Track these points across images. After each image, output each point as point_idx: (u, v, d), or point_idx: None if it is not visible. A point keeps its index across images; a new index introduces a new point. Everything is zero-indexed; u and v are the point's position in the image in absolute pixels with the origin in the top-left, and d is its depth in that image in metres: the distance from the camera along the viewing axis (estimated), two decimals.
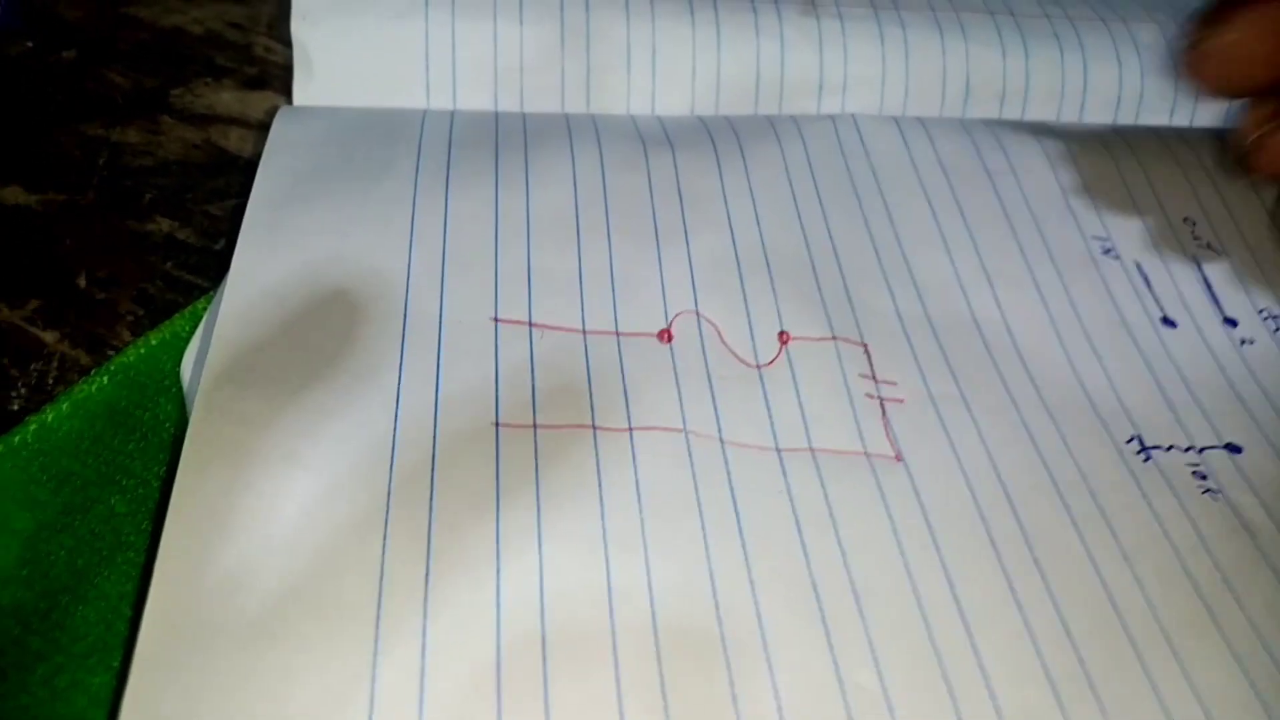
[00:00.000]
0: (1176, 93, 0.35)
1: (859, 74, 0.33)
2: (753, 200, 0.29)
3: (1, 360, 0.25)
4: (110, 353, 0.26)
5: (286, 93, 0.31)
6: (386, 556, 0.20)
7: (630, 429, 0.23)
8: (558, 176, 0.29)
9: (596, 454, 0.23)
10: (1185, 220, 0.31)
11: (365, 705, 0.18)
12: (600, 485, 0.22)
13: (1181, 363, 0.28)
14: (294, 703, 0.18)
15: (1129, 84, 0.35)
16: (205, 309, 0.26)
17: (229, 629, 0.19)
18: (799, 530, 0.22)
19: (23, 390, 0.25)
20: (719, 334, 0.26)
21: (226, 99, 0.33)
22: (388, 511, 0.21)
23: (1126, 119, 0.35)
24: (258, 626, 0.19)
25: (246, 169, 0.31)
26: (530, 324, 0.25)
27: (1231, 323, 0.29)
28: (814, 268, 0.28)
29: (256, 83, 0.34)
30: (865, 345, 0.26)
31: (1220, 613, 0.23)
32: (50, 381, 0.25)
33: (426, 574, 0.20)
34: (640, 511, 0.22)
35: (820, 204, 0.30)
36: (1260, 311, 0.29)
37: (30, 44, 0.33)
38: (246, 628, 0.19)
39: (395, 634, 0.19)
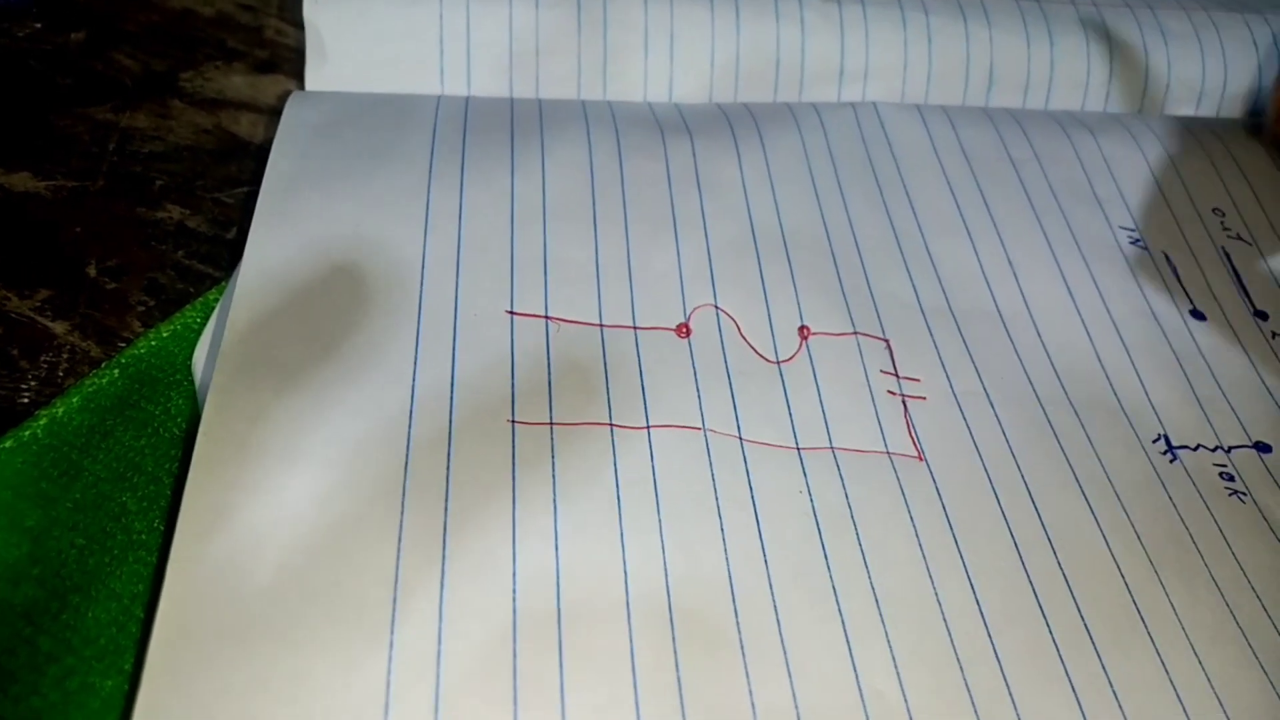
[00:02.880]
0: (1203, 82, 0.34)
1: (881, 61, 0.32)
2: (772, 189, 0.29)
3: (11, 351, 0.25)
4: (121, 344, 0.25)
5: (298, 77, 0.31)
6: (401, 554, 0.20)
7: (648, 427, 0.23)
8: (574, 164, 0.28)
9: (614, 452, 0.22)
10: (1214, 211, 0.31)
11: (380, 706, 0.18)
12: (618, 486, 0.22)
13: (1211, 357, 0.27)
14: (308, 707, 0.18)
15: (1155, 73, 0.34)
16: (217, 299, 0.26)
17: (242, 632, 0.18)
18: (819, 531, 0.22)
19: (33, 383, 0.24)
20: (738, 328, 0.25)
21: (237, 83, 0.33)
22: (403, 510, 0.20)
23: (1152, 109, 0.34)
24: (272, 626, 0.19)
25: (258, 155, 0.30)
26: (546, 317, 0.25)
27: (1262, 315, 0.28)
28: (835, 259, 0.27)
29: (267, 66, 0.33)
30: (887, 340, 0.26)
31: (1245, 618, 0.22)
32: (60, 374, 0.25)
33: (442, 576, 0.20)
34: (658, 511, 0.21)
35: (841, 193, 0.29)
36: None
37: (39, 25, 0.33)
38: (261, 628, 0.18)
39: (410, 633, 0.19)
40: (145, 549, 0.21)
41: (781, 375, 0.25)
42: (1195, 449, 0.25)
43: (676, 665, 0.19)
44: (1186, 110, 0.34)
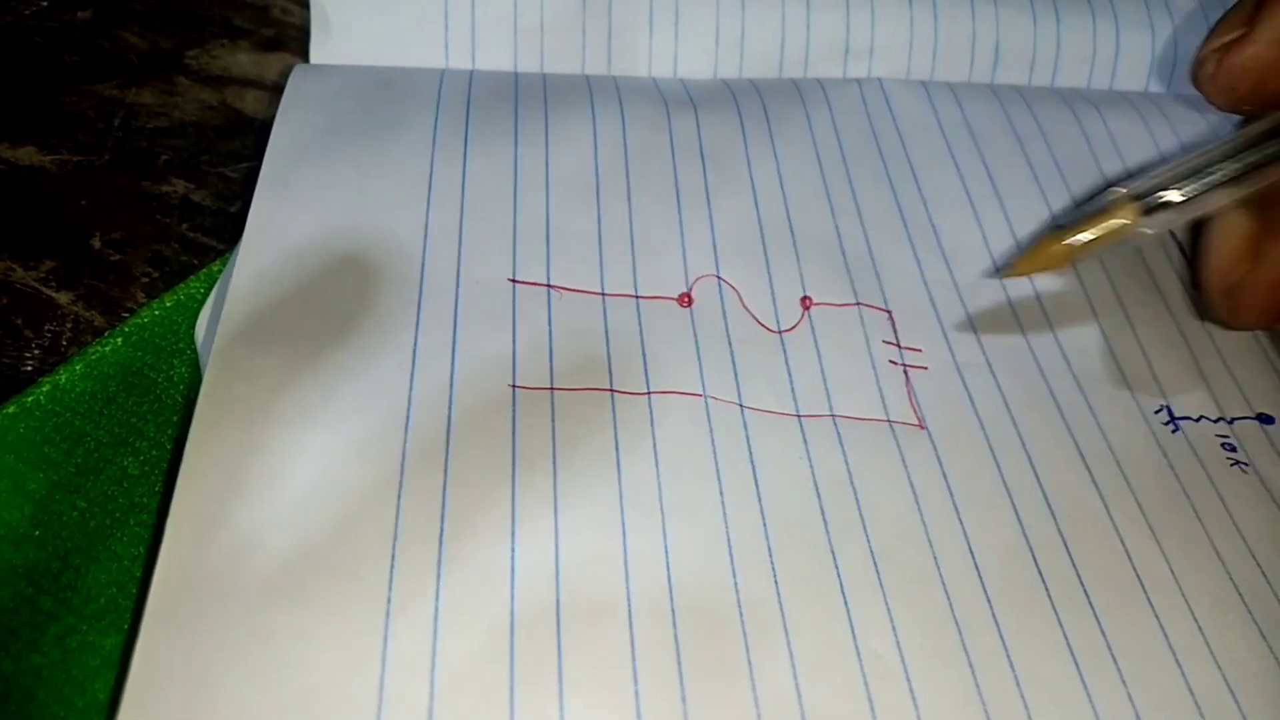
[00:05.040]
0: None
1: (886, 38, 0.32)
2: (777, 164, 0.29)
3: (15, 321, 0.25)
4: (124, 314, 0.25)
5: (303, 55, 0.31)
6: (401, 517, 0.20)
7: (649, 393, 0.23)
8: (578, 136, 0.28)
9: (614, 418, 0.22)
10: None
11: (377, 667, 0.18)
12: (618, 449, 0.22)
13: (1214, 330, 0.27)
14: (306, 665, 0.18)
15: (1162, 51, 0.34)
16: (220, 271, 0.26)
17: (241, 590, 0.18)
18: (819, 497, 0.22)
19: (36, 351, 0.24)
20: (740, 298, 0.25)
21: (243, 60, 0.33)
22: (403, 472, 0.21)
23: (1158, 86, 0.34)
24: (270, 588, 0.19)
25: (262, 131, 0.30)
26: (549, 286, 0.25)
27: None
28: (838, 232, 0.27)
29: (273, 44, 0.33)
30: (889, 311, 0.26)
31: (1245, 587, 0.22)
32: (64, 343, 0.25)
33: (441, 535, 0.20)
34: (658, 476, 0.21)
35: (845, 168, 0.29)
36: None
37: (45, 3, 0.33)
38: (259, 589, 0.19)
39: (409, 595, 0.19)
40: (146, 511, 0.21)
41: (783, 344, 0.25)
42: (1198, 420, 0.25)
43: (674, 625, 0.19)
44: (1193, 88, 0.34)
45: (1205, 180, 0.23)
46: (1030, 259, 0.24)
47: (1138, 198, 0.23)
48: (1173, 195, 0.23)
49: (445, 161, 0.27)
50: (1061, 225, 0.23)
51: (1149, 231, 0.23)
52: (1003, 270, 0.24)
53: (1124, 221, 0.23)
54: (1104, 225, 0.23)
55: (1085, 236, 0.23)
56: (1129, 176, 0.24)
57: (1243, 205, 0.23)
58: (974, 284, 0.27)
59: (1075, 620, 0.21)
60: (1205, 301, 0.24)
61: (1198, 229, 0.24)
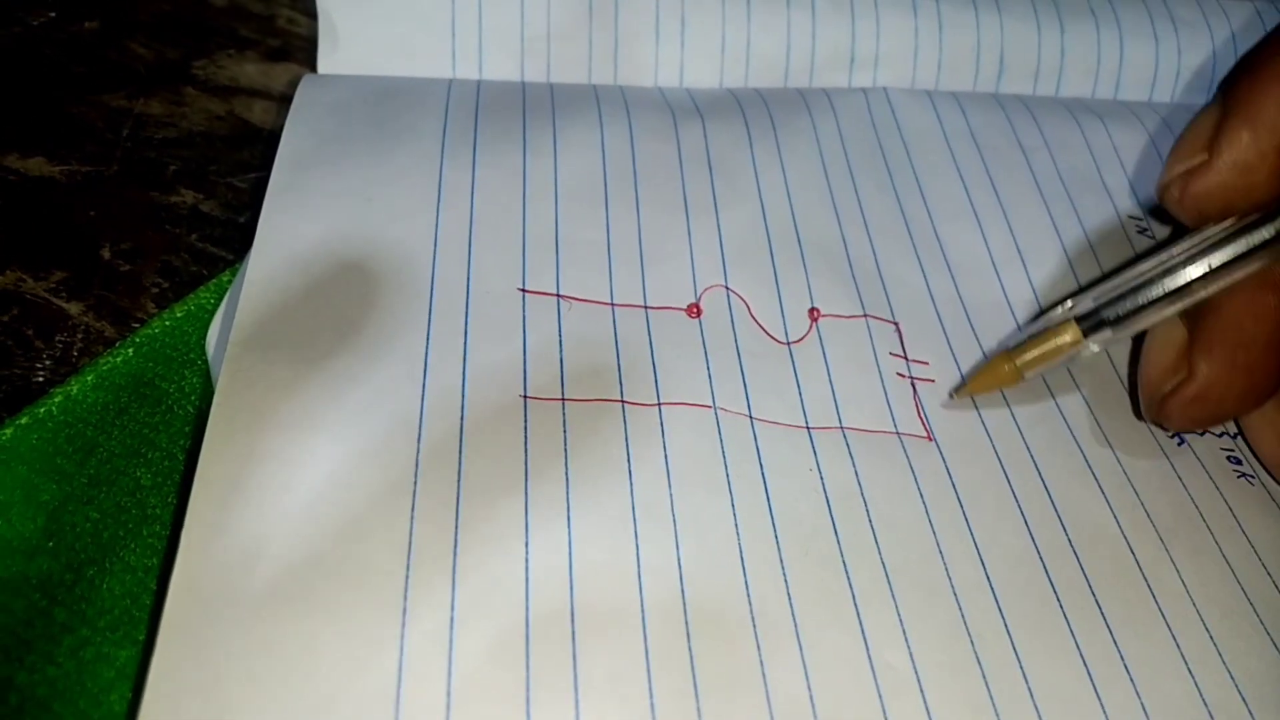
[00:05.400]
0: (1214, 70, 0.34)
1: (891, 47, 0.32)
2: (784, 173, 0.29)
3: (26, 331, 0.25)
4: (135, 325, 0.25)
5: (310, 65, 0.31)
6: (414, 525, 0.20)
7: (659, 404, 0.23)
8: (586, 145, 0.28)
9: (625, 429, 0.22)
10: None
11: (393, 674, 0.18)
12: (629, 460, 0.22)
13: None
14: (321, 671, 0.18)
15: (1165, 61, 0.34)
16: (230, 281, 0.26)
17: (255, 598, 0.19)
18: (829, 509, 0.22)
19: (47, 362, 0.24)
20: (748, 309, 0.25)
21: (250, 71, 0.33)
22: (416, 480, 0.21)
23: (1163, 97, 0.34)
24: (284, 595, 0.19)
25: (270, 141, 0.31)
26: (558, 295, 0.25)
27: None
28: (845, 243, 0.27)
29: (279, 54, 0.33)
30: (897, 324, 0.26)
31: (1256, 596, 0.22)
32: (75, 354, 0.25)
33: (455, 543, 0.20)
34: (669, 488, 0.22)
35: (852, 178, 0.29)
36: None
37: (53, 14, 0.33)
38: (273, 597, 0.19)
39: (423, 602, 0.19)
40: (159, 523, 0.21)
41: (791, 356, 0.25)
42: (1202, 434, 0.25)
43: (688, 635, 0.19)
44: (1198, 99, 0.34)
45: (1139, 299, 0.23)
46: (981, 379, 0.24)
47: (1080, 319, 0.23)
48: (1110, 314, 0.23)
49: (454, 170, 0.27)
50: (1009, 346, 0.24)
51: (1093, 349, 0.23)
52: (955, 391, 0.25)
53: (1066, 341, 0.23)
54: (1048, 346, 0.24)
55: (1030, 356, 0.24)
56: (1078, 292, 0.25)
57: (1179, 317, 0.24)
58: (979, 297, 0.27)
59: (1087, 631, 0.21)
60: (1141, 405, 0.25)
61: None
